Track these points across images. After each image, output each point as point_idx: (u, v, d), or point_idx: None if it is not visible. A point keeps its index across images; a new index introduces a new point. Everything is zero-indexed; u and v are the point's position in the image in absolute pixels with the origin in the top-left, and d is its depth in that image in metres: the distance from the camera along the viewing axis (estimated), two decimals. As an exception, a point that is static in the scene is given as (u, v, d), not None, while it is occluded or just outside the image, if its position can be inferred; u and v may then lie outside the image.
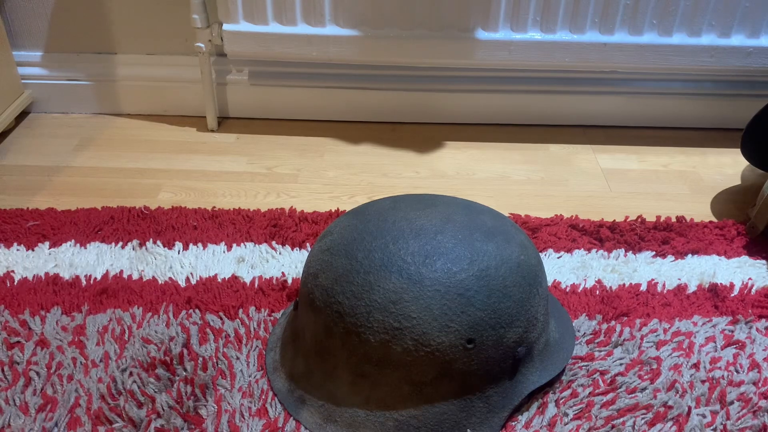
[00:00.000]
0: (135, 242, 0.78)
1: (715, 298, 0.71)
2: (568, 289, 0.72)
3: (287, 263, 0.75)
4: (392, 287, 0.52)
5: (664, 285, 0.73)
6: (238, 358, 0.62)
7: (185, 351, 0.62)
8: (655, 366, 0.62)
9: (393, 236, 0.55)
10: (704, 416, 0.57)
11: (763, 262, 0.77)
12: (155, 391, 0.58)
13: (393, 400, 0.53)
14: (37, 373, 0.60)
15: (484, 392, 0.54)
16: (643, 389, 0.59)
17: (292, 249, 0.78)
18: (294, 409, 0.56)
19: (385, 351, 0.52)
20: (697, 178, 0.96)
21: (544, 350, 0.58)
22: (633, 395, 0.59)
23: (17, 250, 0.77)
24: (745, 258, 0.78)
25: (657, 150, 1.03)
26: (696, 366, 0.62)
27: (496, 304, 0.53)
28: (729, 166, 0.99)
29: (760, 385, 0.60)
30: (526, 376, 0.56)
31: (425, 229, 0.55)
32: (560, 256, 0.77)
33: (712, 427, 0.56)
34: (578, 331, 0.65)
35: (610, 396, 0.58)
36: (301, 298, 0.59)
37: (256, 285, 0.71)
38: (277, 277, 0.72)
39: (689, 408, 0.58)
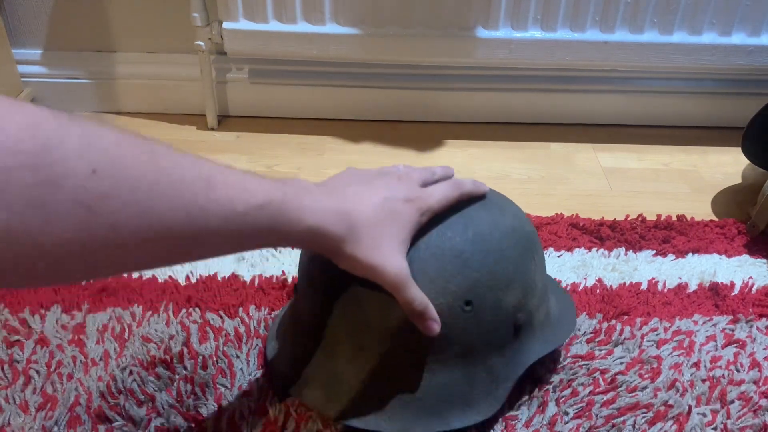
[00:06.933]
0: (135, 241, 0.78)
1: (715, 297, 0.71)
2: (568, 288, 0.72)
3: (287, 262, 0.75)
4: None
5: (664, 284, 0.72)
6: (238, 357, 0.62)
7: (185, 349, 0.62)
8: (655, 365, 0.61)
9: None
10: (705, 415, 0.57)
11: (764, 261, 0.77)
12: (155, 390, 0.58)
13: (394, 373, 0.53)
14: (37, 372, 0.60)
15: (486, 362, 0.54)
16: (644, 388, 0.59)
17: (292, 248, 0.77)
18: (296, 390, 0.56)
19: (384, 317, 0.51)
20: (697, 176, 0.96)
21: (545, 322, 0.58)
22: (633, 394, 0.58)
23: (17, 248, 0.77)
24: (745, 257, 0.78)
25: (658, 149, 1.03)
26: (696, 365, 0.62)
27: (493, 266, 0.52)
28: (730, 164, 0.99)
29: (760, 384, 0.60)
30: (528, 347, 0.56)
31: None
32: (561, 255, 0.77)
33: (712, 426, 0.56)
34: (579, 329, 0.65)
35: (610, 395, 0.58)
36: (299, 277, 0.58)
37: (256, 283, 0.71)
38: (277, 276, 0.72)
39: (690, 407, 0.57)
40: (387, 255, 0.47)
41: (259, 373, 0.60)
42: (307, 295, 0.57)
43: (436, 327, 0.50)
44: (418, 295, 0.49)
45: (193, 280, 0.72)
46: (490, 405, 0.54)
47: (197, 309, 0.67)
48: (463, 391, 0.53)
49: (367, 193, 0.48)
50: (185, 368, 0.60)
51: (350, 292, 0.52)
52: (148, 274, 0.73)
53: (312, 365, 0.56)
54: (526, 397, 0.58)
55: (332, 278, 0.53)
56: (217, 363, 0.61)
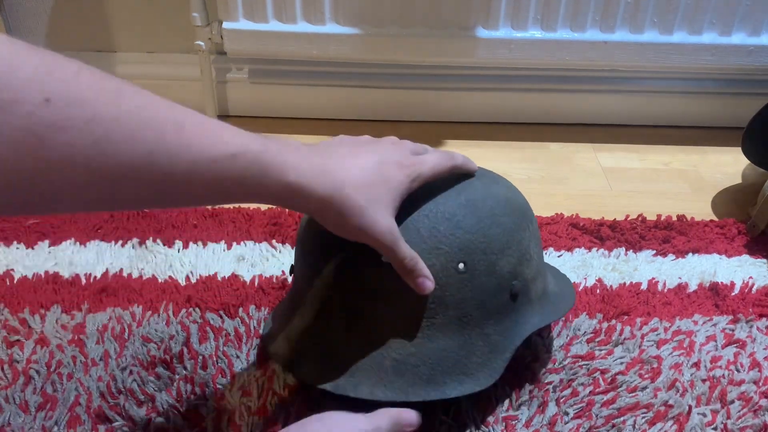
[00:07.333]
0: (135, 241, 0.78)
1: (715, 297, 0.71)
2: (568, 288, 0.72)
3: (287, 262, 0.75)
4: None
5: (664, 284, 0.72)
6: (238, 357, 0.62)
7: (185, 349, 0.62)
8: (655, 365, 0.61)
9: None
10: (705, 415, 0.57)
11: (764, 261, 0.77)
12: (155, 390, 0.58)
13: (389, 338, 0.52)
14: (37, 372, 0.60)
15: (483, 329, 0.53)
16: (644, 388, 0.59)
17: (293, 248, 0.77)
18: (292, 366, 0.55)
19: (377, 279, 0.51)
20: (697, 176, 0.96)
21: (543, 297, 0.58)
22: (633, 394, 0.58)
23: (17, 248, 0.77)
24: (745, 257, 0.78)
25: (658, 148, 1.03)
26: (696, 365, 0.62)
27: (486, 230, 0.52)
28: (730, 164, 0.99)
29: (760, 384, 0.60)
30: (525, 318, 0.55)
31: None
32: (561, 255, 0.77)
33: (712, 426, 0.56)
34: (579, 329, 0.65)
35: (610, 395, 0.58)
36: (296, 252, 0.58)
37: (256, 283, 0.71)
38: (277, 276, 0.72)
39: (690, 407, 0.57)
40: (376, 216, 0.46)
41: (259, 373, 0.60)
42: (302, 267, 0.56)
43: (429, 284, 0.50)
44: (408, 252, 0.48)
45: (193, 280, 0.72)
46: (487, 376, 0.53)
47: (197, 309, 0.67)
48: (459, 360, 0.53)
49: (358, 156, 0.47)
50: (185, 368, 0.60)
51: (345, 256, 0.52)
52: (148, 274, 0.73)
53: (308, 337, 0.55)
54: (526, 397, 0.58)
55: (327, 245, 0.53)
56: (217, 363, 0.61)
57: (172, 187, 0.38)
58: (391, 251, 0.48)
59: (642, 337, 0.64)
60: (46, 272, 0.73)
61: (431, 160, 0.51)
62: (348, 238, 0.47)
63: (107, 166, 0.35)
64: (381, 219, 0.46)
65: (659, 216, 0.84)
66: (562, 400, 0.58)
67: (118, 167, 0.35)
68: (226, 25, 0.94)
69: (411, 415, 0.49)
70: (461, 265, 0.51)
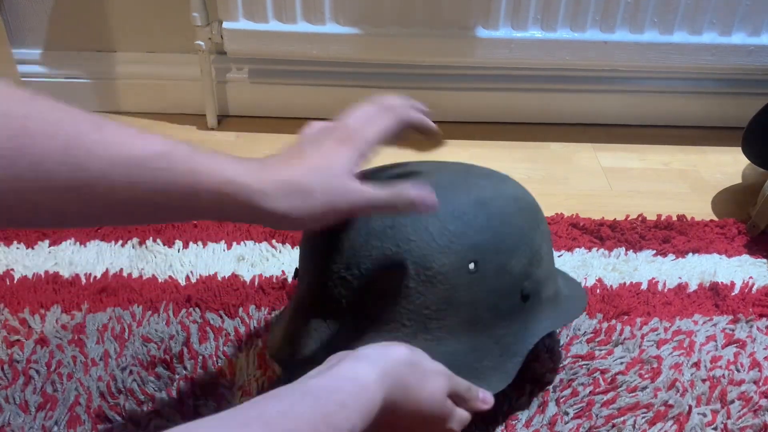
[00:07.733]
0: (135, 240, 0.78)
1: (715, 297, 0.71)
2: (568, 288, 0.72)
3: (287, 262, 0.75)
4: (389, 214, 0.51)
5: (664, 284, 0.72)
6: (238, 357, 0.62)
7: (185, 349, 0.62)
8: (655, 365, 0.62)
9: (390, 177, 0.55)
10: (705, 415, 0.57)
11: (764, 261, 0.77)
12: (155, 390, 0.58)
13: (398, 342, 0.51)
14: (37, 372, 0.60)
15: (494, 332, 0.52)
16: (644, 388, 0.59)
17: (293, 248, 0.77)
18: (293, 372, 0.54)
19: (386, 279, 0.50)
20: (697, 176, 0.96)
21: (555, 299, 0.57)
22: (633, 394, 0.58)
23: (17, 248, 0.77)
24: (745, 257, 0.78)
25: (658, 148, 1.03)
26: (697, 365, 0.62)
27: (496, 229, 0.52)
28: (730, 164, 0.99)
29: (760, 384, 0.60)
30: (536, 321, 0.55)
31: (421, 169, 0.56)
32: (561, 255, 0.77)
33: (712, 426, 0.56)
34: (579, 329, 0.65)
35: (610, 395, 0.58)
36: (301, 251, 0.57)
37: (256, 283, 0.71)
38: (277, 276, 0.72)
39: (690, 407, 0.57)
40: (336, 191, 0.44)
41: (259, 373, 0.60)
42: (308, 268, 0.55)
43: (426, 194, 0.46)
44: (384, 194, 0.46)
45: (193, 280, 0.72)
46: (499, 380, 0.52)
47: (197, 309, 0.67)
48: (470, 363, 0.52)
49: (294, 156, 0.46)
50: (185, 368, 0.60)
51: (349, 255, 0.51)
52: (148, 274, 0.73)
53: (311, 340, 0.54)
54: (526, 397, 0.58)
55: (335, 245, 0.52)
56: (217, 363, 0.61)
57: (91, 189, 0.37)
58: (371, 207, 0.46)
59: (642, 337, 0.64)
60: (46, 272, 0.73)
61: (373, 126, 0.50)
62: (321, 224, 0.45)
63: (26, 170, 0.35)
64: (345, 189, 0.44)
65: (659, 216, 0.84)
66: (562, 400, 0.58)
67: (35, 170, 0.35)
68: (226, 25, 0.94)
69: (488, 395, 0.51)
70: (472, 265, 0.51)
